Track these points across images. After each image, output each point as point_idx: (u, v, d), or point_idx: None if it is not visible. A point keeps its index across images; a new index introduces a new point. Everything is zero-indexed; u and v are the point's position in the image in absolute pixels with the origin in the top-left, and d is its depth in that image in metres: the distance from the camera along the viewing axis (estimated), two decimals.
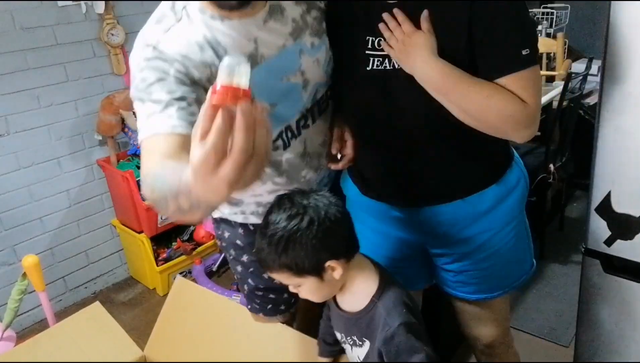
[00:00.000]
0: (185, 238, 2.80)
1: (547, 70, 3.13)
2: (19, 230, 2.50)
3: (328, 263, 0.95)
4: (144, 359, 1.54)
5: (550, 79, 3.02)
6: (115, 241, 2.86)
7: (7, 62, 2.31)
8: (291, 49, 1.09)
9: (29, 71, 2.38)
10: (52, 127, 2.51)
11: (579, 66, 2.99)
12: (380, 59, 1.08)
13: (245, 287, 1.41)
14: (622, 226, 1.32)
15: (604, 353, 1.47)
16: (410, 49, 1.02)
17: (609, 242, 1.36)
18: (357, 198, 1.29)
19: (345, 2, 1.13)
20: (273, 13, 1.07)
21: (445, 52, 1.01)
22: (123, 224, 2.74)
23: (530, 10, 1.09)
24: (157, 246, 2.72)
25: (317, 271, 0.96)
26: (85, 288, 2.79)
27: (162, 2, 1.05)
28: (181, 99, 0.94)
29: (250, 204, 1.26)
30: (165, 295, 1.60)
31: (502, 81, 1.00)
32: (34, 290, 1.89)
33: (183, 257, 2.74)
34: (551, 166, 2.51)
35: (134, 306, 2.69)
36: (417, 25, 1.02)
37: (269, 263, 0.96)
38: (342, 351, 1.18)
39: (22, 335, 2.35)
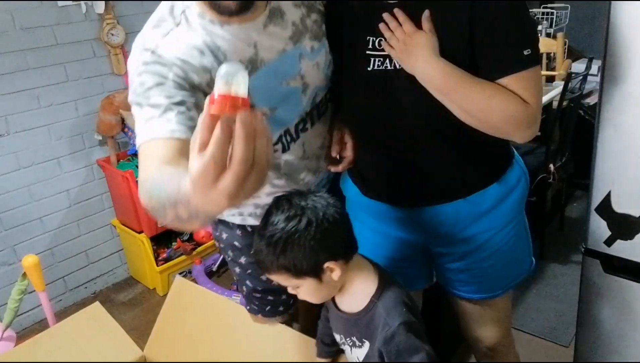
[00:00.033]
0: (185, 238, 2.80)
1: (547, 70, 3.13)
2: (19, 230, 2.50)
3: (327, 264, 0.95)
4: (143, 359, 1.54)
5: (550, 79, 3.02)
6: (115, 241, 2.86)
7: (7, 62, 2.31)
8: (291, 53, 1.09)
9: (29, 71, 2.38)
10: (52, 127, 2.51)
11: (579, 66, 2.99)
12: (381, 59, 1.08)
13: (244, 288, 1.41)
14: (622, 226, 1.32)
15: (604, 353, 1.47)
16: (411, 49, 1.02)
17: (609, 242, 1.36)
18: (357, 198, 1.29)
19: (345, 2, 1.13)
20: (273, 17, 1.06)
21: (447, 52, 1.01)
22: (123, 224, 2.74)
23: (530, 10, 1.09)
24: (157, 246, 2.72)
25: (316, 272, 0.96)
26: (85, 288, 2.79)
27: (160, 5, 1.04)
28: (180, 103, 0.93)
29: (248, 206, 1.25)
30: (165, 295, 1.60)
31: (504, 81, 1.00)
32: (34, 290, 1.89)
33: (183, 257, 2.74)
34: (551, 166, 2.51)
35: (134, 306, 2.69)
36: (418, 26, 1.02)
37: (267, 264, 0.95)
38: (340, 351, 1.18)
39: (22, 335, 2.35)
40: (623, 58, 1.21)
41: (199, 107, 0.94)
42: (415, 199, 1.21)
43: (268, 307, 1.38)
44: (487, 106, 1.01)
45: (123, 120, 2.55)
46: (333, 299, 1.08)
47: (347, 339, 1.08)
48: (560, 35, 3.04)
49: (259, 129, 0.59)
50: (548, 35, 3.23)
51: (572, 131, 2.65)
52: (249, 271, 1.36)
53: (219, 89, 0.58)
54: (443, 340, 1.90)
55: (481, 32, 0.99)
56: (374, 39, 1.08)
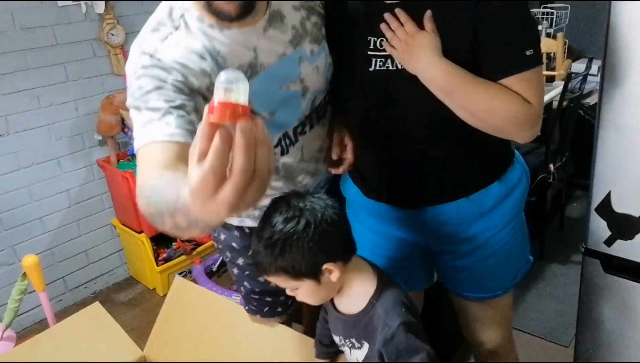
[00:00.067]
0: (185, 238, 2.80)
1: (547, 70, 3.13)
2: (19, 230, 2.50)
3: (325, 266, 0.95)
4: (143, 359, 1.54)
5: (550, 79, 3.02)
6: (115, 241, 2.86)
7: (7, 62, 2.31)
8: (291, 57, 1.08)
9: (29, 71, 2.38)
10: (52, 127, 2.51)
11: (579, 66, 2.99)
12: (383, 59, 1.08)
13: (242, 289, 1.41)
14: (622, 226, 1.32)
15: (604, 353, 1.47)
16: (413, 49, 1.01)
17: (609, 242, 1.36)
18: (358, 199, 1.29)
19: (345, 2, 1.13)
20: (273, 21, 1.06)
21: (449, 52, 1.01)
22: (123, 224, 2.74)
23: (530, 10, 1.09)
24: (157, 246, 2.72)
25: (314, 274, 0.95)
26: (85, 288, 2.79)
27: (158, 9, 1.03)
28: (180, 107, 0.92)
29: None
30: (165, 295, 1.60)
31: (506, 81, 1.00)
32: (34, 290, 1.89)
33: (183, 257, 2.74)
34: (551, 166, 2.51)
35: (134, 306, 2.69)
36: (419, 26, 1.02)
37: (266, 266, 0.95)
38: (339, 352, 1.18)
39: (22, 335, 2.35)
40: (623, 58, 1.21)
41: (198, 112, 0.93)
42: (417, 199, 1.20)
43: (266, 308, 1.38)
44: (490, 106, 1.01)
45: (123, 120, 2.55)
46: (332, 300, 1.07)
47: (346, 340, 1.08)
48: (560, 35, 3.04)
49: (259, 138, 0.57)
50: (548, 35, 3.23)
51: (572, 131, 2.65)
52: (247, 272, 1.36)
53: (218, 97, 0.56)
54: (443, 339, 1.90)
55: (484, 33, 0.99)
56: (375, 39, 1.08)
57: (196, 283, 2.61)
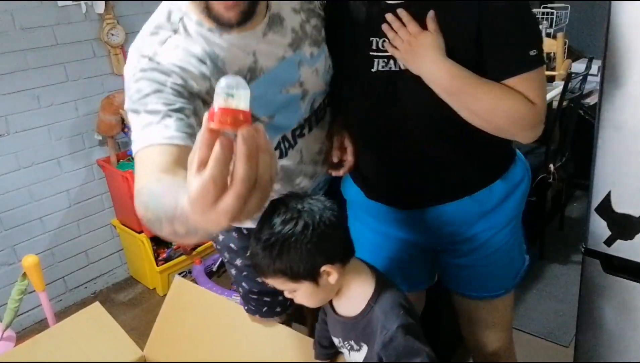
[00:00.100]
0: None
1: (547, 70, 3.13)
2: (19, 230, 2.50)
3: (323, 268, 0.94)
4: (143, 359, 1.54)
5: (550, 79, 3.02)
6: (115, 241, 2.86)
7: (7, 62, 2.31)
8: (290, 60, 1.08)
9: (29, 71, 2.38)
10: (52, 127, 2.51)
11: (579, 66, 2.99)
12: (385, 60, 1.07)
13: (240, 290, 1.41)
14: (622, 226, 1.32)
15: (604, 353, 1.47)
16: (417, 49, 1.01)
17: (609, 242, 1.36)
18: (360, 200, 1.29)
19: (346, 3, 1.12)
20: (272, 25, 1.05)
21: (452, 53, 1.01)
22: (123, 224, 2.74)
23: None
24: (157, 246, 2.72)
25: (313, 276, 0.95)
26: (85, 288, 2.79)
27: (156, 13, 1.02)
28: (179, 110, 0.90)
29: None
30: (165, 295, 1.60)
31: (510, 81, 1.00)
32: (34, 290, 1.89)
33: (183, 257, 2.74)
34: (551, 166, 2.51)
35: (134, 306, 2.69)
36: (422, 27, 1.02)
37: (264, 268, 0.94)
38: (338, 353, 1.18)
39: (22, 335, 2.35)
40: (623, 58, 1.21)
41: (197, 115, 0.92)
42: (419, 199, 1.20)
43: (265, 308, 1.38)
44: (494, 107, 1.01)
45: (123, 120, 2.55)
46: (330, 302, 1.07)
47: (345, 343, 1.07)
48: (560, 35, 3.04)
49: (261, 145, 0.55)
50: (548, 35, 3.23)
51: (572, 131, 2.65)
52: (245, 273, 1.36)
53: (218, 103, 0.55)
54: (443, 339, 1.90)
55: (488, 33, 0.99)
56: (378, 39, 1.07)
57: (196, 283, 2.61)
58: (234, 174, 0.54)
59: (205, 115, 0.56)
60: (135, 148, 0.90)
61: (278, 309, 1.40)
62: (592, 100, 2.93)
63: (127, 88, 0.96)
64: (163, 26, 1.00)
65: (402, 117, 1.11)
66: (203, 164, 0.55)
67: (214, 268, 2.80)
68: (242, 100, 0.55)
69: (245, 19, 0.96)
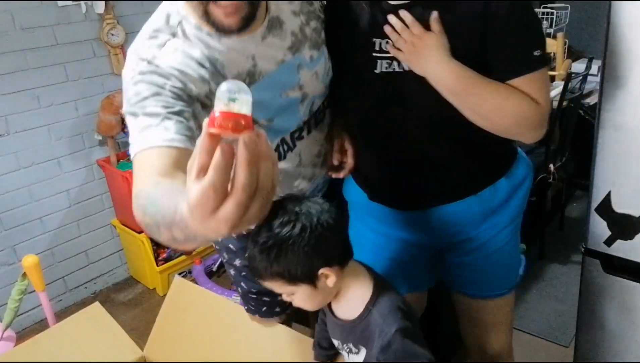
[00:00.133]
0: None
1: (548, 70, 3.13)
2: (19, 230, 2.50)
3: (321, 271, 0.93)
4: (143, 359, 1.54)
5: (551, 79, 3.00)
6: (115, 241, 2.86)
7: (7, 62, 2.31)
8: (290, 64, 1.07)
9: (29, 71, 2.38)
10: (52, 127, 2.51)
11: (579, 66, 2.98)
12: (389, 61, 1.07)
13: (240, 290, 1.41)
14: (622, 226, 1.32)
15: (604, 353, 1.47)
16: (421, 50, 1.00)
17: (609, 242, 1.36)
18: (362, 202, 1.28)
19: (347, 4, 1.11)
20: (272, 28, 1.05)
21: (456, 53, 1.00)
22: (123, 224, 2.74)
23: None
24: (157, 246, 2.72)
25: (311, 278, 0.94)
26: (85, 288, 2.79)
27: (154, 16, 1.01)
28: (179, 113, 0.90)
29: None
30: (165, 295, 1.60)
31: (515, 82, 1.01)
32: (34, 290, 1.89)
33: (183, 257, 2.74)
34: (551, 166, 2.51)
35: (134, 306, 2.69)
36: (425, 28, 1.01)
37: (261, 271, 0.93)
38: (338, 354, 1.18)
39: (22, 335, 2.35)
40: (623, 58, 1.21)
41: (196, 119, 0.92)
42: (424, 200, 1.20)
43: (264, 308, 1.38)
44: (500, 107, 1.01)
45: (123, 120, 2.54)
46: (329, 305, 1.06)
47: (344, 345, 1.07)
48: (560, 35, 3.04)
49: (263, 152, 0.54)
50: (548, 35, 3.22)
51: (572, 131, 2.66)
52: (244, 273, 1.36)
53: (219, 107, 0.53)
54: (443, 340, 1.90)
55: (492, 34, 0.99)
56: (381, 41, 1.07)
57: (196, 283, 2.61)
58: (235, 181, 0.53)
59: (205, 120, 0.54)
60: (133, 150, 0.89)
61: (277, 309, 1.40)
62: (592, 100, 2.93)
63: (125, 91, 0.95)
64: (162, 30, 0.99)
65: (405, 118, 1.10)
66: (203, 170, 0.53)
67: (214, 268, 2.80)
68: (244, 105, 0.54)
69: (245, 24, 0.95)
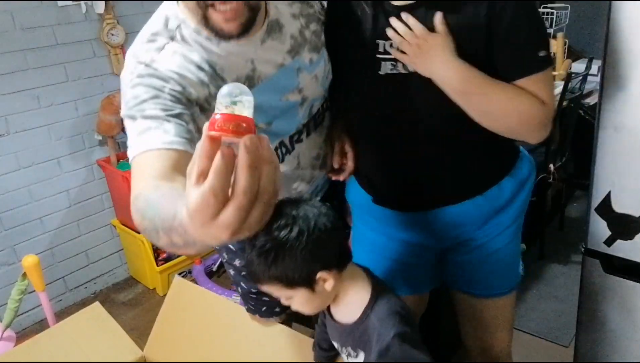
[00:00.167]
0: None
1: None
2: (19, 230, 2.50)
3: (319, 275, 0.93)
4: (143, 359, 1.54)
5: None
6: (115, 241, 2.86)
7: (7, 62, 2.31)
8: (289, 67, 1.07)
9: (29, 71, 2.38)
10: (52, 127, 2.51)
11: (579, 66, 2.98)
12: (393, 62, 1.06)
13: (239, 290, 1.41)
14: (622, 226, 1.32)
15: (604, 353, 1.47)
16: (427, 51, 0.99)
17: (609, 242, 1.36)
18: (367, 204, 1.27)
19: (350, 5, 1.10)
20: (271, 31, 1.04)
21: (461, 54, 1.00)
22: (123, 224, 2.74)
23: None
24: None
25: (308, 282, 0.93)
26: (85, 288, 2.79)
27: (152, 19, 1.01)
28: (178, 116, 0.89)
29: None
30: (165, 295, 1.60)
31: (521, 82, 1.00)
32: (34, 290, 1.89)
33: (183, 257, 2.74)
34: (551, 166, 2.51)
35: (134, 306, 2.69)
36: (429, 30, 1.01)
37: (259, 275, 0.93)
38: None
39: (22, 335, 2.35)
40: (623, 58, 1.21)
41: (196, 123, 0.91)
42: (431, 202, 1.19)
43: (264, 308, 1.38)
44: (508, 108, 1.01)
45: (123, 120, 2.54)
46: (328, 308, 1.06)
47: (343, 348, 1.07)
48: (560, 35, 3.04)
49: (265, 156, 0.52)
50: (548, 35, 3.22)
51: (572, 131, 2.66)
52: (244, 273, 1.36)
53: (220, 110, 0.52)
54: (443, 340, 1.90)
55: (498, 34, 0.98)
56: (384, 42, 1.06)
57: (196, 283, 2.61)
58: (235, 185, 0.51)
59: (206, 124, 0.53)
60: (131, 153, 0.88)
61: (277, 309, 1.40)
62: (592, 100, 2.93)
63: (123, 94, 0.95)
64: (160, 33, 0.98)
65: (410, 119, 1.10)
66: (203, 175, 0.52)
67: (214, 268, 2.80)
68: (245, 107, 0.53)
69: (245, 30, 0.94)
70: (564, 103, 2.47)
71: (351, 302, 1.01)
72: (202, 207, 0.51)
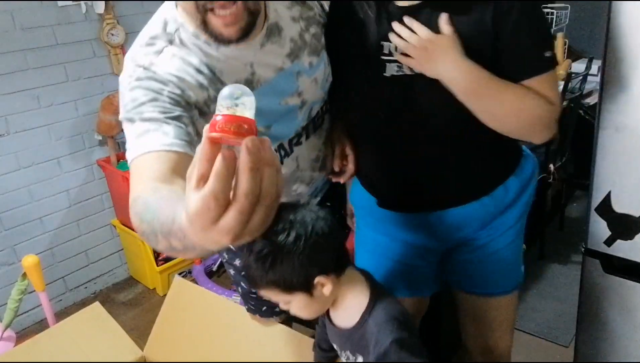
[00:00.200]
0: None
1: None
2: (19, 230, 2.50)
3: (317, 279, 0.92)
4: (143, 359, 1.54)
5: None
6: (115, 241, 2.86)
7: (7, 62, 2.31)
8: (288, 71, 1.06)
9: (29, 71, 2.38)
10: (52, 127, 2.51)
11: (579, 66, 2.98)
12: (399, 64, 1.05)
13: (240, 289, 1.41)
14: (622, 226, 1.32)
15: (604, 353, 1.47)
16: (434, 53, 0.98)
17: (609, 242, 1.36)
18: (370, 206, 1.26)
19: (353, 7, 1.09)
20: (271, 35, 1.03)
21: (468, 55, 0.99)
22: (123, 224, 2.74)
23: None
24: None
25: (306, 287, 0.93)
26: (85, 288, 2.79)
27: (151, 23, 1.01)
28: (177, 118, 0.88)
29: None
30: (165, 295, 1.60)
31: (528, 83, 1.00)
32: (34, 290, 1.89)
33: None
34: (551, 166, 2.51)
35: (134, 306, 2.69)
36: (434, 32, 1.00)
37: (257, 279, 0.93)
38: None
39: (22, 335, 2.35)
40: (623, 58, 1.21)
41: (195, 126, 0.91)
42: (436, 203, 1.19)
43: (264, 307, 1.38)
44: (517, 108, 1.00)
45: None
46: (327, 312, 1.05)
47: (342, 352, 1.06)
48: (560, 35, 3.04)
49: (267, 159, 0.51)
50: None
51: (572, 131, 2.66)
52: (244, 273, 1.36)
53: (221, 111, 0.51)
54: (444, 340, 1.90)
55: (505, 35, 0.98)
56: (389, 44, 1.05)
57: (196, 283, 2.61)
58: (237, 188, 0.50)
59: (206, 126, 0.51)
60: (130, 156, 0.87)
61: (277, 309, 1.39)
62: (592, 100, 2.93)
63: (121, 98, 0.94)
64: (159, 37, 0.98)
65: (416, 120, 1.09)
66: (203, 179, 0.50)
67: (214, 268, 2.80)
68: (247, 108, 0.52)
69: (245, 34, 0.94)
70: (564, 103, 2.47)
71: (349, 307, 1.01)
72: (203, 211, 0.50)
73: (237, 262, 1.35)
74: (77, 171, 2.64)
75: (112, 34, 2.58)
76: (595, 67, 2.75)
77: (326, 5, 1.16)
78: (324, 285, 0.94)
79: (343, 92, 1.17)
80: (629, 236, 1.32)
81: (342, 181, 1.26)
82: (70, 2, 2.43)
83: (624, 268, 1.36)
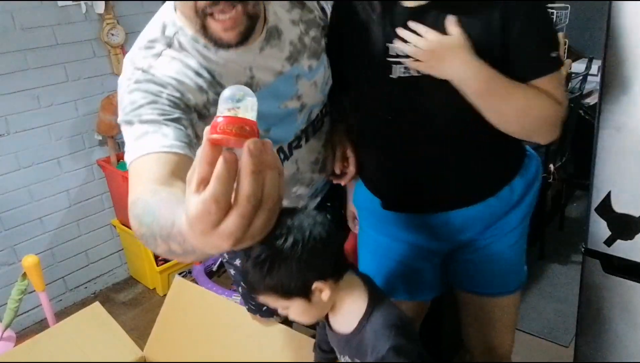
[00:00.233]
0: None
1: None
2: (19, 230, 2.50)
3: (315, 285, 0.92)
4: (143, 359, 1.54)
5: None
6: (115, 241, 2.86)
7: (7, 62, 2.31)
8: (288, 75, 1.06)
9: (29, 71, 2.38)
10: (52, 127, 2.51)
11: (579, 66, 2.98)
12: (406, 65, 1.04)
13: (240, 289, 1.41)
14: (622, 226, 1.32)
15: (604, 353, 1.47)
16: (443, 54, 0.97)
17: (609, 242, 1.36)
18: (374, 208, 1.26)
19: (357, 9, 1.09)
20: (270, 39, 1.03)
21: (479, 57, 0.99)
22: (123, 224, 2.74)
23: None
24: None
25: (305, 293, 0.93)
26: (85, 288, 2.79)
27: (150, 26, 1.01)
28: (177, 120, 0.88)
29: None
30: (165, 295, 1.60)
31: (536, 83, 1.00)
32: (34, 290, 1.89)
33: None
34: (551, 166, 2.51)
35: (134, 306, 2.69)
36: (442, 33, 0.99)
37: (255, 285, 0.92)
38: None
39: (22, 335, 2.35)
40: (623, 58, 1.21)
41: (194, 129, 0.91)
42: (442, 204, 1.18)
43: (265, 307, 1.38)
44: (526, 107, 1.00)
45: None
46: (327, 316, 1.05)
47: (341, 356, 1.06)
48: (560, 35, 3.04)
49: (269, 161, 0.50)
50: None
51: (572, 131, 2.66)
52: None
53: (222, 112, 0.50)
54: (445, 341, 1.90)
55: (514, 35, 0.98)
56: (395, 46, 1.04)
57: (196, 283, 2.61)
58: (238, 191, 0.49)
59: (206, 129, 0.50)
60: (129, 158, 0.86)
61: None
62: (592, 100, 2.93)
63: (120, 100, 0.94)
64: (157, 40, 0.98)
65: (422, 121, 1.09)
66: (204, 182, 0.49)
67: (214, 268, 2.80)
68: (248, 110, 0.51)
69: (244, 39, 0.94)
70: None
71: (348, 312, 1.00)
72: (203, 215, 0.49)
73: (238, 262, 1.35)
74: (77, 171, 2.64)
75: (112, 34, 2.58)
76: (595, 67, 2.75)
77: (326, 7, 1.16)
78: (322, 291, 0.94)
79: (346, 93, 1.17)
80: (629, 236, 1.32)
81: (343, 183, 1.26)
82: (70, 2, 2.43)
83: (624, 268, 1.36)
